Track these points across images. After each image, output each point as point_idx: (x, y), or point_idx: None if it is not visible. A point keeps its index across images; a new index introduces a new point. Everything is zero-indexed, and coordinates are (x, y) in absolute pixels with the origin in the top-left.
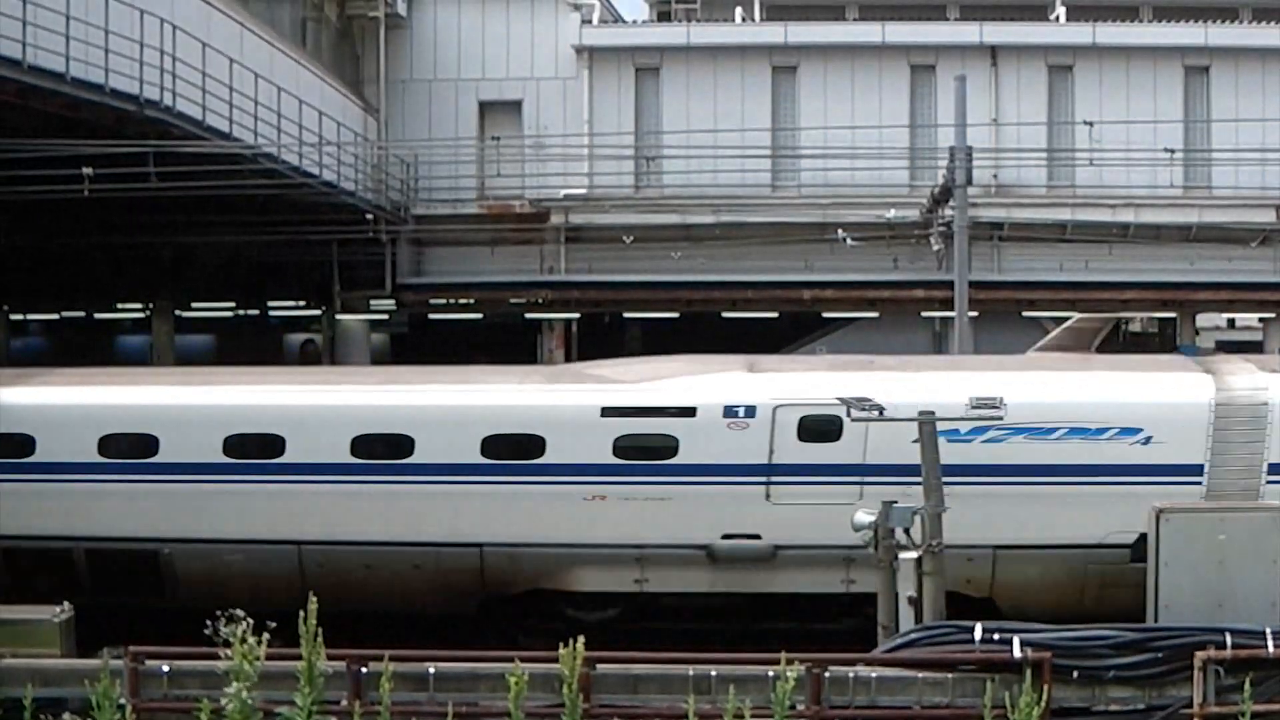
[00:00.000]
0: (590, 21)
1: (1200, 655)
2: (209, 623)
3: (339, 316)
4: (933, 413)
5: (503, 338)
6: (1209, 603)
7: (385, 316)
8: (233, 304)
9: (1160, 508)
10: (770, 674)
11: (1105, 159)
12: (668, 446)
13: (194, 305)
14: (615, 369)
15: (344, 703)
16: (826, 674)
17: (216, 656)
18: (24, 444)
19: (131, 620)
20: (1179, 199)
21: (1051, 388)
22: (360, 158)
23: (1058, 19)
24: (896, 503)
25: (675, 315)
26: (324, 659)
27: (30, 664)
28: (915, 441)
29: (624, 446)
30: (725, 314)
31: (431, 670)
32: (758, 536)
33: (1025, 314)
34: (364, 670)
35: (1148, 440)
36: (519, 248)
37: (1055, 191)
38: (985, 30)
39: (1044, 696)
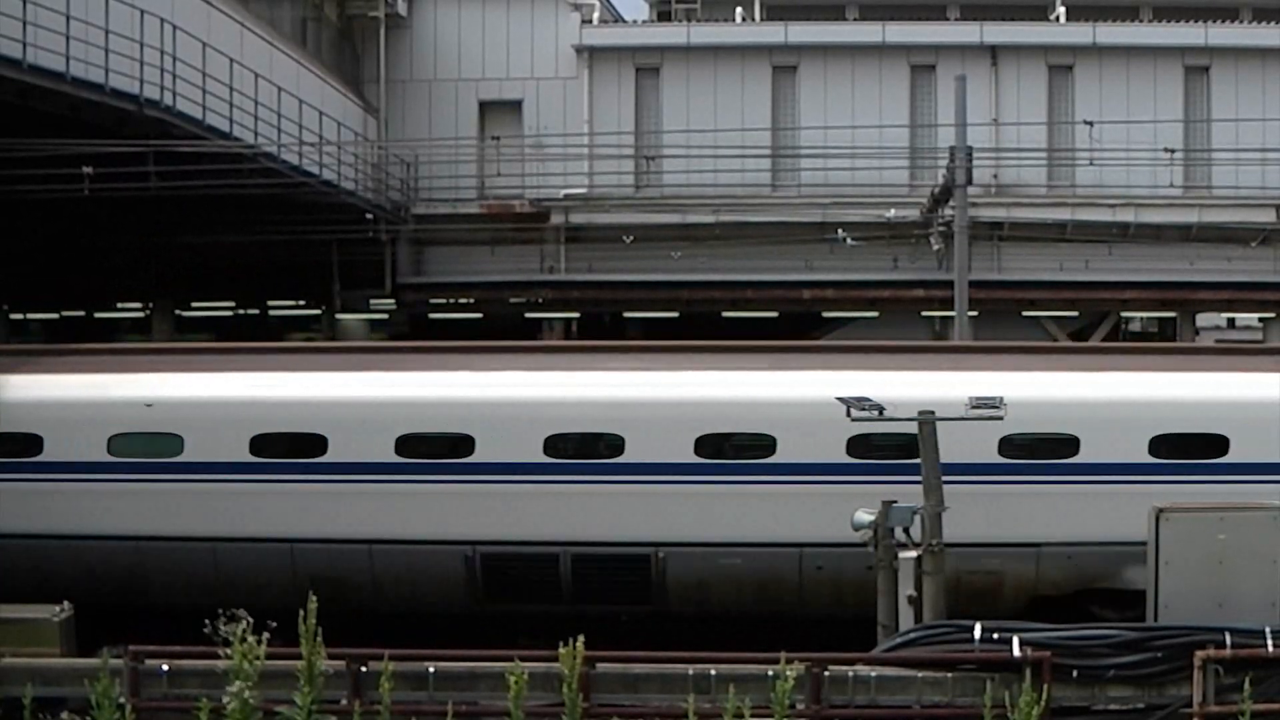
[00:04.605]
0: (590, 21)
1: (1200, 655)
2: (208, 622)
3: (339, 316)
4: (933, 412)
5: (503, 337)
6: (1209, 603)
7: (385, 316)
8: (233, 304)
9: (1160, 508)
10: (770, 673)
11: (1105, 159)
12: None
13: (194, 305)
14: None
15: (344, 702)
16: (826, 673)
17: (216, 656)
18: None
19: (131, 620)
20: (1179, 199)
21: None
22: (360, 157)
23: (1058, 19)
24: (896, 502)
25: (675, 315)
26: (324, 658)
27: (30, 663)
28: None
29: None
30: (725, 314)
31: (431, 670)
32: None
33: (1025, 314)
34: (364, 670)
35: None
36: (519, 247)
37: (1055, 191)
38: (985, 30)
39: (1044, 696)
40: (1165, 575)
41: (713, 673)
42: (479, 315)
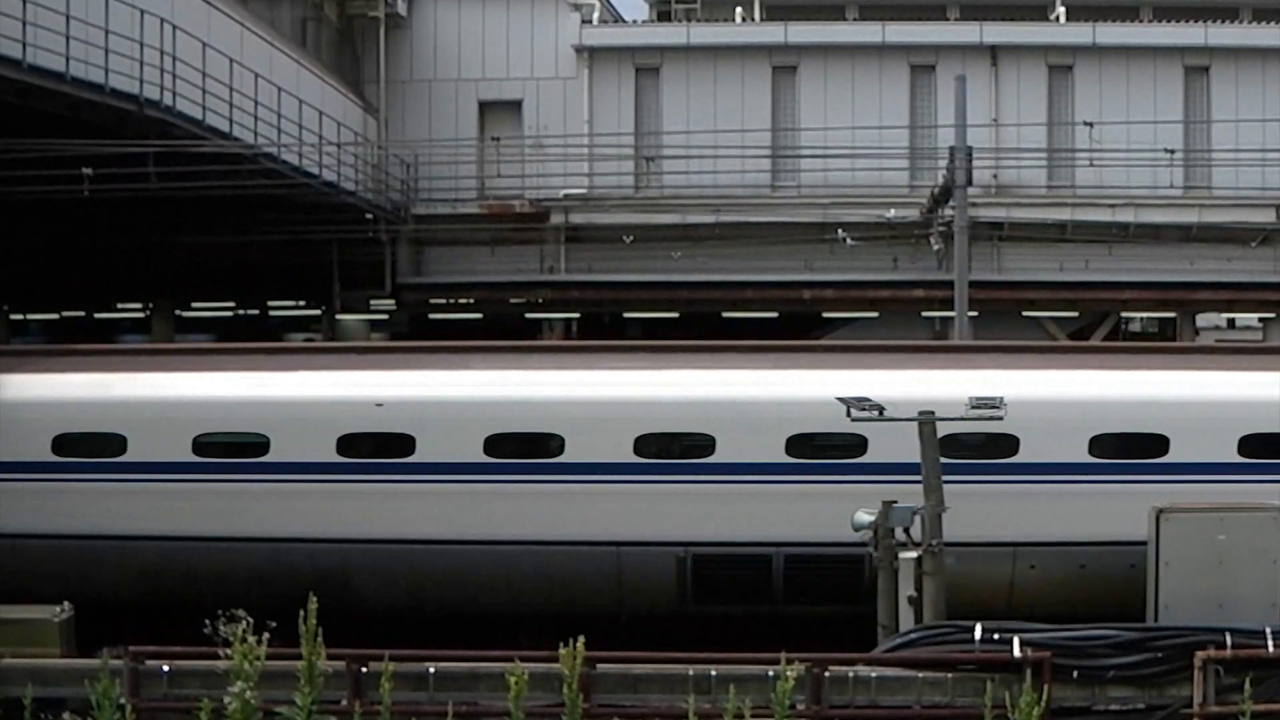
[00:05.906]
0: (590, 21)
1: (1200, 655)
2: (208, 622)
3: (339, 316)
4: (933, 412)
5: (503, 338)
6: (1209, 603)
7: (385, 316)
8: (233, 304)
9: (1160, 508)
10: (770, 673)
11: (1105, 159)
12: None
13: (194, 305)
14: None
15: (344, 702)
16: (826, 674)
17: (216, 656)
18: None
19: (131, 620)
20: (1179, 199)
21: None
22: (360, 158)
23: (1058, 19)
24: (897, 502)
25: (675, 315)
26: (324, 659)
27: (30, 664)
28: None
29: None
30: (725, 314)
31: (431, 670)
32: None
33: (1025, 314)
34: (364, 670)
35: None
36: (519, 248)
37: (1055, 191)
38: (985, 30)
39: (1044, 696)
40: (1165, 575)
41: (713, 673)
42: (479, 315)
